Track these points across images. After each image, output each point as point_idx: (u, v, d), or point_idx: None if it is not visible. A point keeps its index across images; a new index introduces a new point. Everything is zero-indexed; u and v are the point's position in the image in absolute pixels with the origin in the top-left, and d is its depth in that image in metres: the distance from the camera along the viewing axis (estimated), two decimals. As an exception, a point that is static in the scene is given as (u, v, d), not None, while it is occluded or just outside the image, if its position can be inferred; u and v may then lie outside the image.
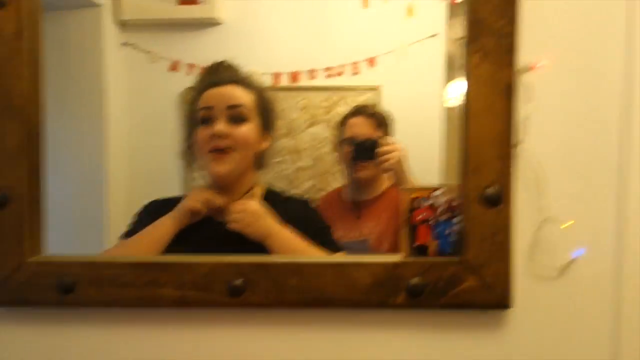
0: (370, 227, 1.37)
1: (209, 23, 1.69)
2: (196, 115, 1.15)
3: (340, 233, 1.36)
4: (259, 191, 1.18)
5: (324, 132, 1.67)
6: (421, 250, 0.80)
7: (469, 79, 0.75)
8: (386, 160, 1.27)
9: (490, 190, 0.75)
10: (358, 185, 1.43)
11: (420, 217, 0.80)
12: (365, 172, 1.41)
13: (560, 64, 0.78)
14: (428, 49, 1.63)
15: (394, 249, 1.28)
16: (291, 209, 1.15)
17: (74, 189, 1.46)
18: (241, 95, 1.15)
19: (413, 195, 0.80)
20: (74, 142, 1.48)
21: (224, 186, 1.13)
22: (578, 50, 0.79)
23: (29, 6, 0.88)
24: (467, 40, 0.75)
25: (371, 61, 1.69)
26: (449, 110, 1.63)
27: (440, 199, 0.79)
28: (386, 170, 1.29)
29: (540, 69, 0.77)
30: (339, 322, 0.86)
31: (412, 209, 0.80)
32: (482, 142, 0.76)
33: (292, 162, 1.73)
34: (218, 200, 1.11)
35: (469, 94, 0.75)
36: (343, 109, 1.68)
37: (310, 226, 1.10)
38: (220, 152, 1.11)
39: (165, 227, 1.08)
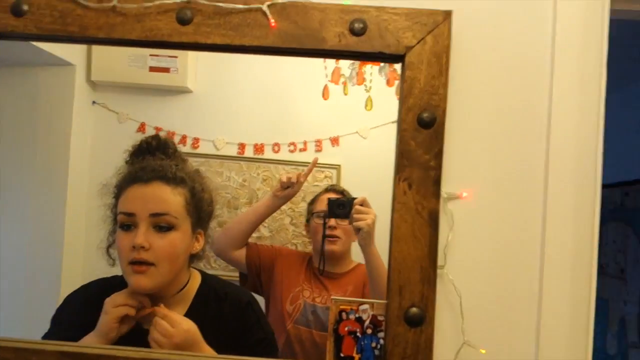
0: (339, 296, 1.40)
1: (179, 91, 1.74)
2: (117, 216, 1.02)
3: (307, 293, 1.42)
4: (191, 288, 1.08)
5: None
6: (347, 362, 0.84)
7: (395, 205, 0.81)
8: (361, 219, 1.27)
9: (413, 311, 0.80)
10: (328, 259, 1.45)
11: (347, 328, 0.84)
12: (334, 245, 1.44)
13: (481, 195, 0.85)
14: (388, 134, 1.70)
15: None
16: (227, 313, 1.07)
17: (30, 240, 1.47)
18: (168, 199, 1.01)
19: (341, 307, 0.84)
20: (37, 193, 1.49)
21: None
22: (498, 181, 0.86)
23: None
24: (396, 169, 0.81)
25: (335, 140, 1.76)
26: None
27: (367, 313, 0.84)
28: (358, 230, 1.28)
29: (463, 199, 0.83)
30: None
31: (340, 320, 0.84)
32: (405, 265, 0.81)
33: (251, 232, 1.77)
34: (144, 304, 0.99)
35: (394, 219, 0.81)
36: (304, 184, 1.73)
37: (249, 337, 1.05)
38: (141, 264, 0.97)
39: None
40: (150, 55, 1.67)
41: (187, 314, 1.04)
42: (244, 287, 1.50)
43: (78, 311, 1.07)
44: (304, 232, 1.61)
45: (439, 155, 0.79)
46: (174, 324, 0.96)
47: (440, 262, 0.83)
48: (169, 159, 1.07)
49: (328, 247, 1.45)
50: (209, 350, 0.97)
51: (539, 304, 0.85)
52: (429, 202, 0.79)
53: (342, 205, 1.36)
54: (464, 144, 0.84)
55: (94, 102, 1.69)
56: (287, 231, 1.71)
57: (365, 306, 0.84)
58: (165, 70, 1.71)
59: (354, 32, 0.78)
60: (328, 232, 1.44)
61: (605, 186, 0.86)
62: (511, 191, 0.85)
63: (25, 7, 0.80)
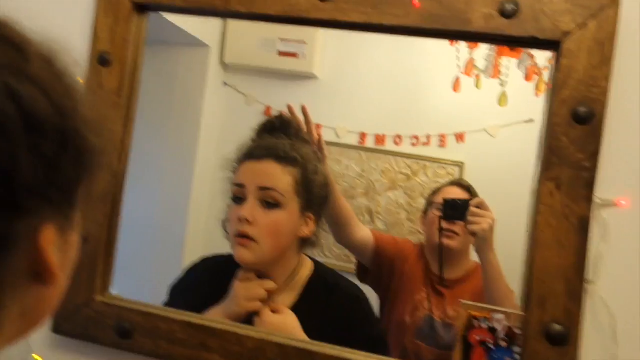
0: (456, 312, 1.29)
1: (305, 76, 1.74)
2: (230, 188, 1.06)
3: (426, 305, 1.31)
4: (303, 276, 1.07)
5: (400, 198, 1.66)
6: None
7: (538, 207, 0.73)
8: (476, 223, 1.17)
9: (555, 327, 0.72)
10: (442, 255, 1.33)
11: (477, 337, 0.77)
12: (451, 241, 1.32)
13: (640, 205, 0.74)
14: (520, 133, 1.59)
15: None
16: (336, 305, 1.05)
17: (158, 206, 1.56)
18: (277, 176, 1.01)
19: (472, 313, 0.78)
20: (165, 166, 1.57)
21: (260, 270, 1.03)
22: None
23: (131, 66, 0.95)
24: (542, 166, 0.73)
25: (460, 136, 1.67)
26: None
27: (501, 323, 0.77)
28: (473, 234, 1.18)
29: (620, 207, 0.73)
30: None
31: (469, 327, 0.78)
32: (548, 274, 0.73)
33: (367, 224, 1.74)
34: (268, 285, 1.02)
35: (538, 222, 0.73)
36: (424, 179, 1.68)
37: (358, 333, 1.01)
38: (245, 238, 0.99)
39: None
40: (280, 39, 1.70)
41: (297, 303, 1.04)
42: (363, 282, 1.44)
43: (198, 285, 1.11)
44: (420, 225, 1.53)
45: (594, 155, 0.70)
46: (276, 322, 0.98)
47: (589, 276, 0.73)
48: (288, 139, 1.07)
49: (445, 241, 1.32)
50: None
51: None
52: (579, 206, 0.70)
53: (456, 207, 1.26)
54: (626, 145, 0.73)
55: (225, 84, 1.74)
56: (402, 226, 1.66)
57: (500, 315, 0.77)
58: (294, 55, 1.72)
59: (504, 14, 0.71)
60: (446, 226, 1.31)
61: None
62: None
63: (173, -18, 0.82)
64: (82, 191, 0.40)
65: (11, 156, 0.33)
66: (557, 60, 0.72)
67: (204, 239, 1.59)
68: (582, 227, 0.72)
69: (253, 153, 1.05)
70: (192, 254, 1.35)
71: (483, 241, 1.17)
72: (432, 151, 1.70)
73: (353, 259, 1.68)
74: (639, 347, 0.74)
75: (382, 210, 1.72)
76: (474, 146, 1.65)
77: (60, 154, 0.36)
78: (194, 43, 1.66)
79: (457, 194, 1.39)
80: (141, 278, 1.28)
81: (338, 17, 0.76)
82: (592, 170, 0.71)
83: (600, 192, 0.73)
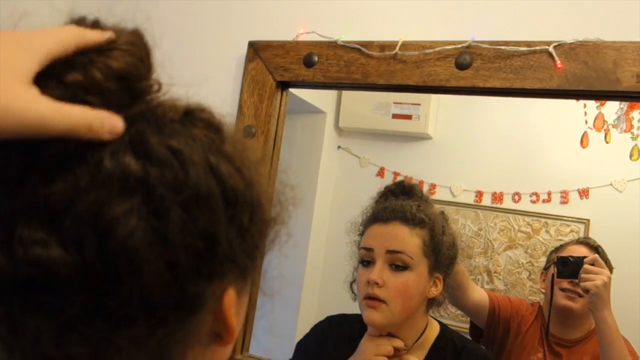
0: None
1: (419, 137, 1.77)
2: (359, 252, 1.08)
3: None
4: (430, 337, 1.08)
5: (521, 257, 1.63)
6: None
7: None
8: (589, 280, 1.15)
9: None
10: (562, 317, 1.29)
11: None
12: (575, 304, 1.27)
13: None
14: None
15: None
16: None
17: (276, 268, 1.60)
18: (405, 239, 1.02)
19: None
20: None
21: (389, 332, 1.04)
22: None
23: (273, 136, 1.02)
24: None
25: (584, 192, 1.62)
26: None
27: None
28: (586, 291, 1.16)
29: None
30: None
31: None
32: None
33: (485, 283, 1.70)
34: (397, 344, 1.03)
35: None
36: (546, 237, 1.63)
37: None
38: (375, 300, 1.00)
39: None
40: (394, 103, 1.74)
41: None
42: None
43: (324, 342, 1.13)
44: (540, 283, 1.48)
45: None
46: None
47: None
48: (412, 201, 1.08)
49: (564, 302, 1.28)
50: None
51: None
52: None
53: (568, 264, 1.24)
54: None
55: (339, 147, 1.81)
56: (524, 286, 1.61)
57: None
58: (408, 117, 1.76)
59: (654, 72, 0.71)
60: (568, 286, 1.27)
61: None
62: None
63: (315, 59, 0.89)
64: (259, 257, 0.43)
65: (214, 227, 0.36)
66: None
67: (318, 304, 1.61)
68: None
69: (380, 216, 1.06)
70: (306, 318, 1.38)
71: (597, 298, 1.14)
72: (553, 208, 1.66)
73: (467, 318, 1.65)
74: None
75: (501, 270, 1.68)
76: (599, 202, 1.59)
77: (250, 224, 0.39)
78: (312, 110, 1.75)
79: (583, 252, 1.34)
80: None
81: (478, 84, 0.79)
82: None
83: None
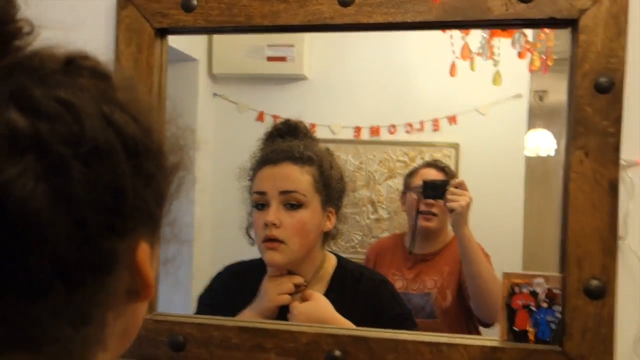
0: (434, 281, 1.37)
1: (295, 78, 1.77)
2: (251, 196, 1.09)
3: (400, 284, 1.37)
4: (329, 269, 1.11)
5: (400, 185, 1.71)
6: (519, 336, 0.83)
7: (570, 175, 0.78)
8: (455, 201, 1.24)
9: (594, 283, 0.78)
10: (422, 235, 1.41)
11: (520, 302, 0.82)
12: (431, 224, 1.40)
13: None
14: (510, 109, 1.66)
15: (455, 303, 1.32)
16: (363, 292, 1.09)
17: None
18: (296, 177, 1.05)
19: (513, 281, 0.83)
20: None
21: (289, 269, 1.07)
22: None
23: (157, 88, 0.97)
24: (569, 137, 0.79)
25: (452, 119, 1.73)
26: (530, 165, 1.65)
27: (542, 286, 0.82)
28: (451, 211, 1.26)
29: (642, 166, 0.79)
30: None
31: (512, 294, 0.83)
32: (584, 236, 0.78)
33: (370, 214, 1.78)
34: (297, 280, 1.06)
35: (571, 189, 0.78)
36: (421, 164, 1.72)
37: (386, 314, 1.06)
38: (274, 241, 1.02)
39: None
40: (268, 45, 1.72)
41: (325, 293, 1.07)
42: None
43: (226, 291, 1.13)
44: (400, 205, 1.57)
45: (617, 120, 0.76)
46: (308, 306, 1.03)
47: (620, 232, 0.79)
48: (298, 140, 1.10)
49: (422, 224, 1.41)
50: (346, 323, 1.01)
51: None
52: (608, 170, 0.76)
53: (435, 188, 1.33)
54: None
55: (215, 95, 1.76)
56: (404, 214, 1.70)
57: (540, 280, 0.82)
58: (282, 59, 1.74)
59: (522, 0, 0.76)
60: (424, 207, 1.40)
61: None
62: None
63: (195, 2, 0.84)
64: (166, 207, 0.41)
65: (118, 180, 0.34)
66: (575, 37, 0.77)
67: (212, 251, 1.60)
68: (613, 189, 0.77)
69: (269, 158, 1.07)
70: (202, 271, 1.37)
71: (459, 217, 1.25)
72: (426, 136, 1.76)
73: (359, 249, 1.73)
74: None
75: (383, 199, 1.77)
76: (466, 127, 1.72)
77: (155, 172, 0.38)
78: (183, 58, 1.66)
79: (433, 174, 1.46)
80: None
81: (362, 20, 0.80)
82: (616, 134, 0.76)
83: (624, 154, 0.79)
